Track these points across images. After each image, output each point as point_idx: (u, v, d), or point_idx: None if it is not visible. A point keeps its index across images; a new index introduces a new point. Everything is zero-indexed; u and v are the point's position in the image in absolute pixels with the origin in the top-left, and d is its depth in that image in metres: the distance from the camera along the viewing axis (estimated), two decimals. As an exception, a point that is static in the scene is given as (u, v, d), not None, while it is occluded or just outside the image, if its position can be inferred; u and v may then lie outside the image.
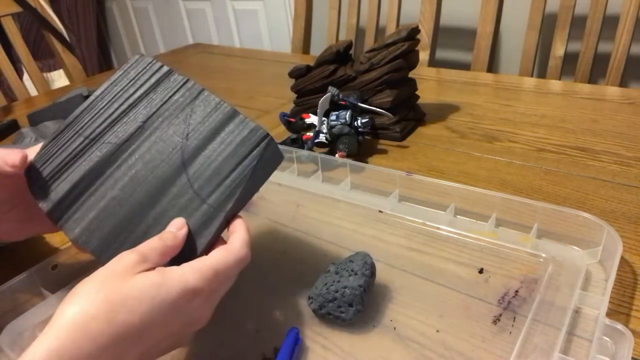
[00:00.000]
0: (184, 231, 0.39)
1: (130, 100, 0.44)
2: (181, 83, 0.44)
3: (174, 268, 0.35)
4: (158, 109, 0.43)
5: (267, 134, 0.42)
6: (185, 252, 0.39)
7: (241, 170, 0.41)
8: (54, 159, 0.43)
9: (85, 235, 0.41)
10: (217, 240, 0.40)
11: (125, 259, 0.34)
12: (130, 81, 0.44)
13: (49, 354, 0.29)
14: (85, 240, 0.40)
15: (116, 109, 0.44)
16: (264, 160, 0.41)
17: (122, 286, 0.32)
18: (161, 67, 0.45)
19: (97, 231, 0.40)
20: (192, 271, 0.35)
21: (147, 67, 0.45)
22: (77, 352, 0.30)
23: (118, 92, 0.44)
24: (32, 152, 0.43)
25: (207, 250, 0.39)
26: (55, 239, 0.60)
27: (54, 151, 0.43)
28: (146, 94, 0.44)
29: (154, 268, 0.35)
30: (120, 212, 0.41)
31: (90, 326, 0.30)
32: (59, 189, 0.42)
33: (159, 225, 0.40)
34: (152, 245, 0.36)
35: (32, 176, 0.43)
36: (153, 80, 0.44)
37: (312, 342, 0.42)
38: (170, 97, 0.43)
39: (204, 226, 0.40)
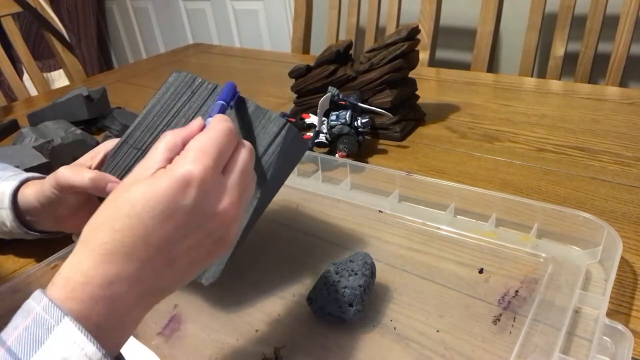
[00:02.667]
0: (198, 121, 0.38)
1: (172, 112, 0.49)
2: (211, 90, 0.49)
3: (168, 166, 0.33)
4: (194, 115, 0.48)
5: (287, 122, 0.45)
6: None
7: (267, 158, 0.44)
8: (116, 171, 0.49)
9: None
10: (253, 225, 0.43)
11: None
12: (172, 95, 0.50)
13: (72, 267, 0.29)
14: None
15: (161, 122, 0.49)
16: (287, 147, 0.45)
17: (121, 193, 0.31)
18: (195, 79, 0.50)
19: None
20: (177, 160, 0.32)
21: (184, 81, 0.50)
22: (87, 265, 0.29)
23: (162, 107, 0.50)
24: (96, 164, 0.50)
25: (242, 241, 0.43)
26: (56, 238, 0.59)
27: (115, 164, 0.49)
28: (184, 104, 0.49)
29: None
30: None
31: (96, 235, 0.29)
32: None
33: None
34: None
35: None
36: (189, 92, 0.49)
37: (312, 342, 0.42)
38: (203, 103, 0.48)
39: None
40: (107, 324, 0.28)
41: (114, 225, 0.29)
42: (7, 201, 0.52)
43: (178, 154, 0.33)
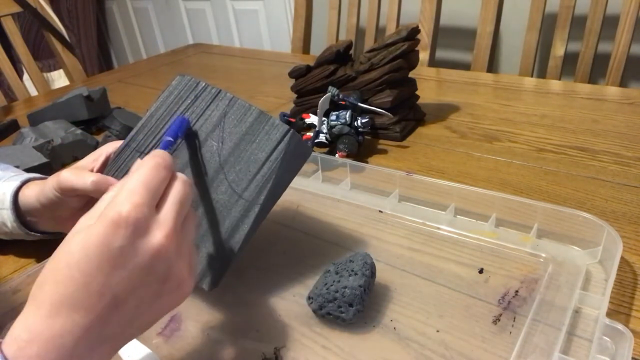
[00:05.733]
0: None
1: (175, 116, 0.49)
2: (214, 94, 0.49)
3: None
4: (197, 120, 0.48)
5: (289, 129, 0.45)
6: (226, 247, 0.43)
7: (270, 164, 0.45)
8: (118, 174, 0.49)
9: None
10: (255, 231, 0.44)
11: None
12: (175, 99, 0.50)
13: (20, 325, 0.29)
14: None
15: (164, 125, 0.49)
16: (290, 153, 0.45)
17: (62, 246, 0.31)
18: (198, 83, 0.50)
19: None
20: (109, 204, 0.32)
21: (187, 85, 0.50)
22: (34, 322, 0.29)
23: (165, 111, 0.50)
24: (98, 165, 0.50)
25: (244, 246, 0.44)
26: (56, 239, 0.59)
27: (117, 167, 0.49)
28: (187, 108, 0.49)
29: None
30: None
31: (41, 290, 0.30)
32: None
33: (205, 223, 0.45)
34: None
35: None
36: (192, 96, 0.49)
37: (312, 342, 0.42)
38: (207, 108, 0.48)
39: (242, 219, 0.44)
40: None
41: (56, 277, 0.30)
42: (8, 202, 0.52)
43: None
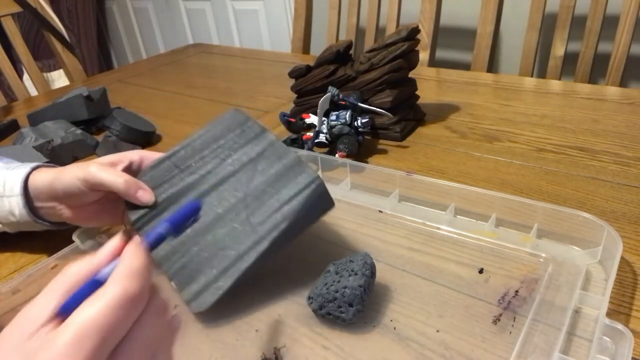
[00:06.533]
0: None
1: (218, 143, 0.52)
2: (259, 132, 0.52)
3: None
4: (236, 151, 0.51)
5: (318, 177, 0.47)
6: (226, 274, 0.44)
7: (290, 207, 0.46)
8: (150, 181, 0.50)
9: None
10: (262, 265, 0.44)
11: None
12: (223, 128, 0.53)
13: None
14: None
15: (205, 148, 0.52)
16: (312, 201, 0.46)
17: None
18: (248, 119, 0.53)
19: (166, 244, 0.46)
20: (52, 339, 0.25)
21: (238, 119, 0.53)
22: None
23: (211, 136, 0.53)
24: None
25: (244, 276, 0.44)
26: (56, 238, 0.60)
27: (152, 174, 0.51)
28: (230, 139, 0.52)
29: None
30: (190, 233, 0.47)
31: None
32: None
33: (212, 247, 0.46)
34: None
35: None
36: (239, 129, 0.52)
37: (312, 342, 0.42)
38: (249, 142, 0.51)
39: (248, 251, 0.45)
40: None
41: None
42: (18, 187, 0.52)
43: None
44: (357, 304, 0.42)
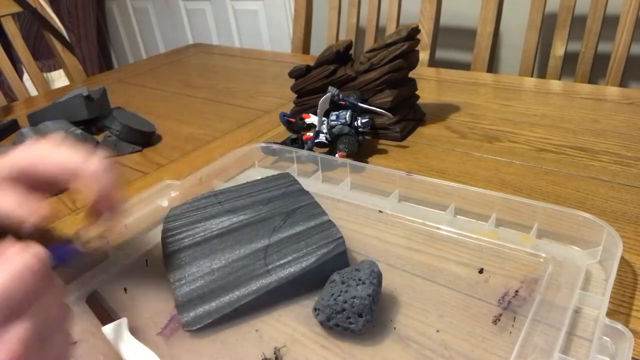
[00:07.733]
0: None
1: (260, 196, 0.55)
2: (300, 192, 0.55)
3: None
4: (275, 200, 0.54)
5: (340, 238, 0.48)
6: (224, 301, 0.45)
7: (307, 260, 0.47)
8: (190, 210, 0.53)
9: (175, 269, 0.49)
10: (256, 308, 0.45)
11: None
12: (269, 182, 0.57)
13: None
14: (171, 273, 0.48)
15: (246, 194, 0.55)
16: (330, 260, 0.47)
17: None
18: (293, 182, 0.57)
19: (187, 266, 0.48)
20: None
21: (286, 180, 0.57)
22: None
23: (256, 188, 0.56)
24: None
25: (241, 308, 0.45)
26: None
27: (196, 205, 0.54)
28: (270, 193, 0.55)
29: None
30: (212, 264, 0.48)
31: None
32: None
33: (221, 274, 0.47)
34: None
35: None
36: (283, 188, 0.56)
37: (312, 342, 0.42)
38: (288, 197, 0.54)
39: (253, 286, 0.46)
40: None
41: None
42: None
43: None
44: (367, 314, 0.41)
